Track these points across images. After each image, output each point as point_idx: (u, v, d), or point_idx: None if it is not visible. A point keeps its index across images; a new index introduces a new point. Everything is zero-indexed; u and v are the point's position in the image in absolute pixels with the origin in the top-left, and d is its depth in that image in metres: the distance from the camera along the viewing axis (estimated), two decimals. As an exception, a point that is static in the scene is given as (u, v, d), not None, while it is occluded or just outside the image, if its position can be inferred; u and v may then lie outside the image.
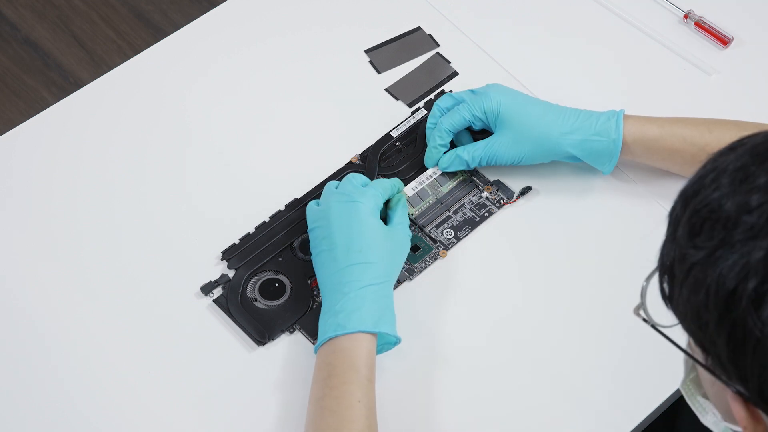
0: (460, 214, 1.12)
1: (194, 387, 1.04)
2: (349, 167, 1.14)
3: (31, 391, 1.03)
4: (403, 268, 1.08)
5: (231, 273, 1.08)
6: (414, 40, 1.24)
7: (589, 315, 1.07)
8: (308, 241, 1.09)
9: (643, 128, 1.09)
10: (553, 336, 1.06)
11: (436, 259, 1.10)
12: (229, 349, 1.05)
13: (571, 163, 1.14)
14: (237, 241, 1.10)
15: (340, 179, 1.10)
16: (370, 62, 1.23)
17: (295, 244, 1.10)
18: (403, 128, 1.17)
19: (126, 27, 1.52)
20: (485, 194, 1.14)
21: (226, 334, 1.06)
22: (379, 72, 1.22)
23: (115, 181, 1.14)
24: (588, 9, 1.27)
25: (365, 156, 1.15)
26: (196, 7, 1.55)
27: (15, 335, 1.06)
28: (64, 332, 1.06)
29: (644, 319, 0.77)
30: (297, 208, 1.11)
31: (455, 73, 1.22)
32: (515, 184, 1.14)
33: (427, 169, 1.14)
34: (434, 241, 1.11)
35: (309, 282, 1.08)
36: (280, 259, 1.09)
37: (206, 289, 1.08)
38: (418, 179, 1.14)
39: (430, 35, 1.25)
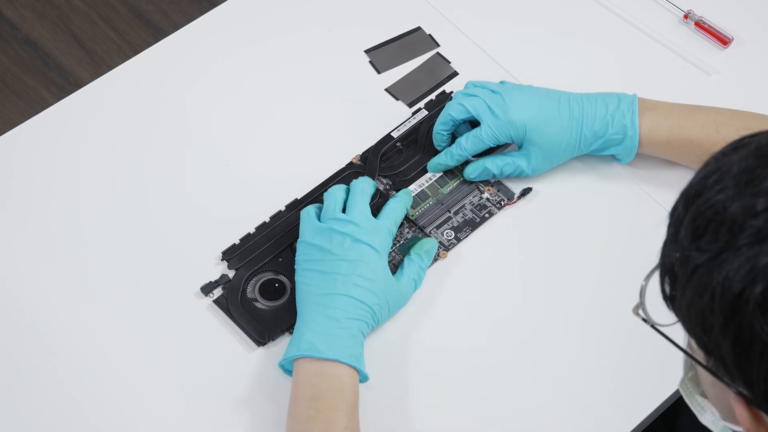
0: (460, 215, 1.12)
1: (194, 387, 1.04)
2: (350, 168, 1.14)
3: (31, 391, 1.03)
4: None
5: (231, 273, 1.08)
6: (414, 40, 1.24)
7: (589, 315, 1.07)
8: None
9: (651, 132, 1.10)
10: (553, 336, 1.06)
11: (436, 259, 1.10)
12: (229, 349, 1.05)
13: (572, 164, 1.14)
14: (237, 242, 1.10)
15: (341, 181, 1.10)
16: (370, 62, 1.23)
17: (296, 244, 1.09)
18: (403, 129, 1.17)
19: (126, 27, 1.52)
20: (486, 195, 1.14)
21: (226, 335, 1.06)
22: (379, 72, 1.22)
23: (115, 181, 1.15)
24: (588, 9, 1.27)
25: (366, 156, 1.15)
26: (196, 7, 1.55)
27: (15, 335, 1.06)
28: (64, 332, 1.06)
29: (644, 319, 0.77)
30: (297, 209, 1.11)
31: (455, 73, 1.22)
32: (516, 185, 1.14)
33: (427, 169, 1.14)
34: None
35: (309, 282, 1.08)
36: (281, 259, 1.09)
37: (206, 289, 1.08)
38: (418, 182, 1.14)
39: (430, 35, 1.25)
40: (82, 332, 1.06)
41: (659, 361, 1.01)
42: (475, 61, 1.23)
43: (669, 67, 1.23)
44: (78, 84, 1.42)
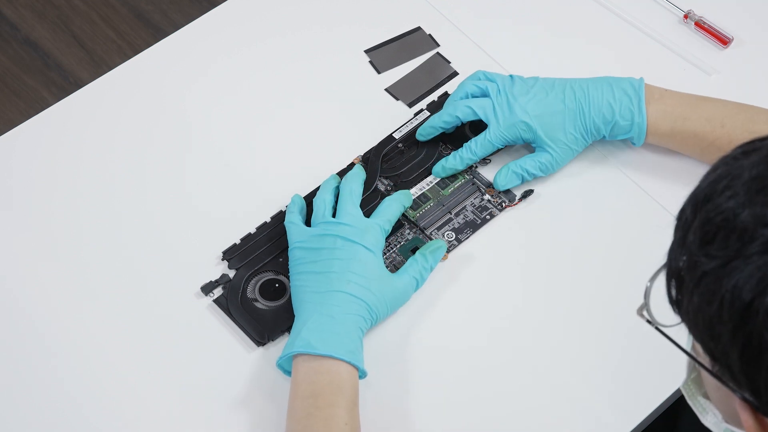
0: (461, 216, 1.12)
1: (194, 387, 1.04)
2: (351, 169, 1.14)
3: (31, 391, 1.03)
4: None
5: (231, 273, 1.08)
6: (414, 40, 1.24)
7: (589, 316, 1.07)
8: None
9: (656, 122, 1.10)
10: (554, 337, 1.06)
11: (436, 260, 1.10)
12: (228, 349, 1.05)
13: (572, 164, 1.15)
14: (238, 242, 1.10)
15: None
16: (370, 62, 1.23)
17: (293, 248, 1.10)
18: (405, 130, 1.17)
19: (126, 27, 1.52)
20: (487, 197, 1.13)
21: (226, 335, 1.06)
22: (379, 72, 1.22)
23: (115, 181, 1.14)
24: (588, 9, 1.27)
25: (367, 157, 1.15)
26: (196, 7, 1.55)
27: (15, 335, 1.06)
28: (64, 332, 1.06)
29: (648, 320, 0.77)
30: (297, 209, 1.11)
31: (455, 73, 1.22)
32: (517, 187, 1.14)
33: (429, 171, 1.14)
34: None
35: (309, 282, 1.07)
36: (281, 259, 1.09)
37: (206, 289, 1.08)
38: (419, 185, 1.14)
39: (430, 35, 1.25)
40: (82, 332, 1.06)
41: (659, 361, 1.01)
42: (475, 61, 1.23)
43: (669, 67, 1.23)
44: (78, 84, 1.42)
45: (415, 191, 1.13)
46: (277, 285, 1.07)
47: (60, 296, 1.08)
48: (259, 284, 1.08)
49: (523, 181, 1.13)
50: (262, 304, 1.07)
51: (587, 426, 1.03)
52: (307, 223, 1.08)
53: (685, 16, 1.25)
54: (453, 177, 1.14)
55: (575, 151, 1.12)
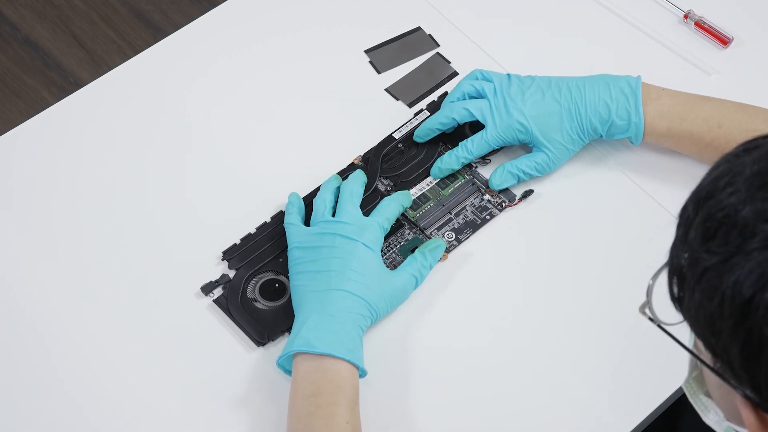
0: (461, 216, 1.12)
1: (194, 387, 1.04)
2: (351, 169, 1.14)
3: (31, 391, 1.03)
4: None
5: (231, 273, 1.08)
6: (414, 40, 1.24)
7: (589, 316, 1.07)
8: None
9: (653, 122, 1.10)
10: (554, 336, 1.06)
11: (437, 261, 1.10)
12: (229, 349, 1.05)
13: (571, 164, 1.15)
14: (238, 242, 1.10)
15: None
16: (370, 62, 1.23)
17: (294, 248, 1.10)
18: (405, 130, 1.17)
19: (126, 27, 1.52)
20: (487, 197, 1.13)
21: (226, 335, 1.06)
22: (379, 72, 1.22)
23: (115, 181, 1.14)
24: (588, 9, 1.27)
25: (367, 158, 1.15)
26: (196, 7, 1.55)
27: (15, 335, 1.06)
28: (64, 332, 1.06)
29: (650, 318, 0.77)
30: (297, 209, 1.11)
31: (455, 73, 1.22)
32: (517, 187, 1.14)
33: (429, 171, 1.14)
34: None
35: (309, 282, 1.07)
36: (281, 259, 1.09)
37: (206, 289, 1.08)
38: (419, 185, 1.14)
39: (430, 35, 1.25)
40: (82, 332, 1.06)
41: (659, 361, 1.01)
42: (475, 61, 1.23)
43: (669, 67, 1.23)
44: (78, 84, 1.42)
45: (415, 191, 1.13)
46: (277, 285, 1.07)
47: (60, 296, 1.08)
48: (259, 284, 1.08)
49: (519, 181, 1.13)
50: (262, 304, 1.07)
51: (587, 426, 1.03)
52: (307, 223, 1.08)
53: (685, 16, 1.25)
54: (453, 177, 1.14)
55: (572, 151, 1.12)
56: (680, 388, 1.02)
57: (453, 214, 1.13)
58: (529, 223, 1.12)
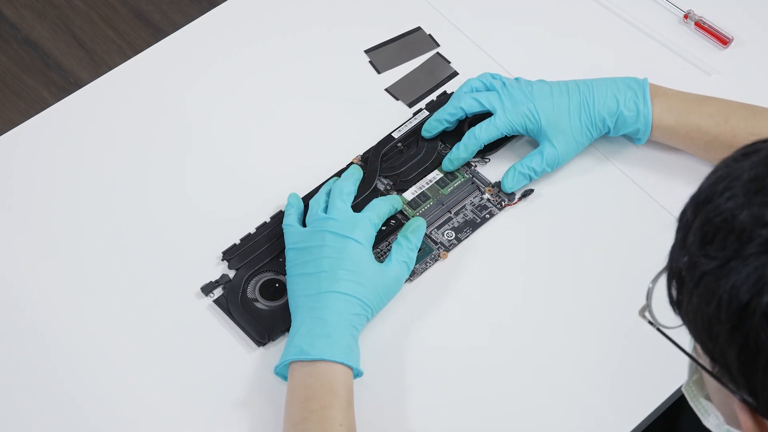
0: (461, 215, 1.12)
1: (194, 387, 1.04)
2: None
3: (32, 391, 1.03)
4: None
5: (231, 273, 1.08)
6: (414, 40, 1.24)
7: (589, 315, 1.07)
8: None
9: (660, 115, 1.11)
10: (554, 336, 1.06)
11: (436, 260, 1.10)
12: (229, 349, 1.05)
13: (572, 164, 1.15)
14: (238, 242, 1.10)
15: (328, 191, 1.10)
16: (370, 62, 1.23)
17: (295, 245, 1.10)
18: (404, 129, 1.17)
19: (126, 27, 1.52)
20: (486, 196, 1.13)
21: (226, 335, 1.06)
22: (379, 72, 1.22)
23: (115, 181, 1.14)
24: (588, 9, 1.27)
25: (367, 157, 1.15)
26: (196, 7, 1.55)
27: (15, 335, 1.06)
28: (64, 332, 1.06)
29: (650, 322, 0.77)
30: (297, 209, 1.11)
31: (455, 73, 1.22)
32: (516, 185, 1.14)
33: (428, 170, 1.14)
34: (435, 242, 1.11)
35: (309, 282, 1.07)
36: (281, 259, 1.09)
37: (206, 289, 1.08)
38: (418, 184, 1.14)
39: (430, 35, 1.25)
40: (82, 332, 1.06)
41: (659, 361, 1.01)
42: (475, 61, 1.23)
43: (669, 67, 1.23)
44: (78, 84, 1.42)
45: (415, 190, 1.13)
46: (277, 285, 1.07)
47: (60, 296, 1.08)
48: (259, 284, 1.08)
49: (531, 180, 1.13)
50: (262, 304, 1.07)
51: (587, 426, 1.03)
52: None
53: (685, 16, 1.25)
54: (452, 176, 1.14)
55: (580, 144, 1.12)
56: (680, 389, 1.02)
57: (452, 213, 1.13)
58: (529, 223, 1.12)
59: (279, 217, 1.11)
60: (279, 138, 1.18)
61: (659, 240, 0.76)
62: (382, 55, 1.23)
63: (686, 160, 1.15)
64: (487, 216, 1.12)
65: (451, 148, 1.15)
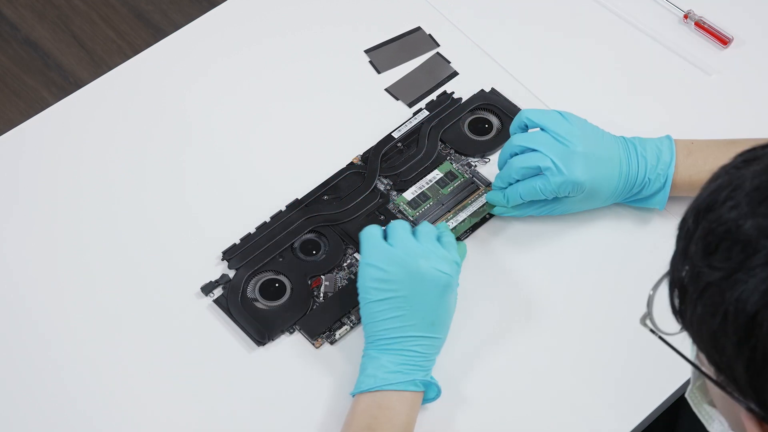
0: (461, 215, 1.12)
1: (194, 387, 1.04)
2: (350, 168, 1.14)
3: (32, 391, 1.03)
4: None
5: (231, 273, 1.08)
6: (414, 40, 1.24)
7: (589, 316, 1.07)
8: (309, 242, 1.09)
9: (690, 178, 1.07)
10: (553, 337, 1.06)
11: (436, 259, 1.10)
12: (229, 349, 1.05)
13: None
14: (238, 242, 1.10)
15: (374, 221, 1.08)
16: (370, 62, 1.23)
17: (296, 244, 1.10)
18: (404, 129, 1.17)
19: (126, 27, 1.52)
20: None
21: (226, 334, 1.06)
22: (379, 72, 1.22)
23: (115, 181, 1.15)
24: (588, 9, 1.27)
25: (366, 157, 1.15)
26: (196, 7, 1.55)
27: (16, 335, 1.06)
28: (65, 332, 1.06)
29: (651, 330, 0.76)
30: (298, 209, 1.12)
31: (455, 73, 1.22)
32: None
33: (428, 170, 1.14)
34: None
35: (309, 283, 1.08)
36: (281, 259, 1.09)
37: (206, 289, 1.08)
38: (418, 184, 1.14)
39: (430, 35, 1.25)
40: (83, 332, 1.06)
41: (659, 362, 1.01)
42: (475, 61, 1.23)
43: (669, 67, 1.23)
44: (78, 84, 1.42)
45: (415, 190, 1.13)
46: (277, 285, 1.07)
47: (60, 296, 1.08)
48: (259, 284, 1.08)
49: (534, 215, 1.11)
50: (262, 304, 1.07)
51: (587, 426, 1.02)
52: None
53: (685, 16, 1.25)
54: (452, 176, 1.14)
55: (589, 207, 1.10)
56: (679, 390, 1.02)
57: (452, 212, 1.12)
58: (529, 223, 1.12)
59: (279, 217, 1.11)
60: (279, 138, 1.18)
61: (663, 248, 0.74)
62: (382, 55, 1.23)
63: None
64: (487, 216, 1.12)
65: (452, 150, 1.15)
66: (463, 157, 1.16)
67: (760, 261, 0.65)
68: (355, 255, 1.09)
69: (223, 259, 1.09)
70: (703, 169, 1.07)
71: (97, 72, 1.36)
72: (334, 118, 1.19)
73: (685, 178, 1.07)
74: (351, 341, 1.05)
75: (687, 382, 0.99)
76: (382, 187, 1.14)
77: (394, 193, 1.13)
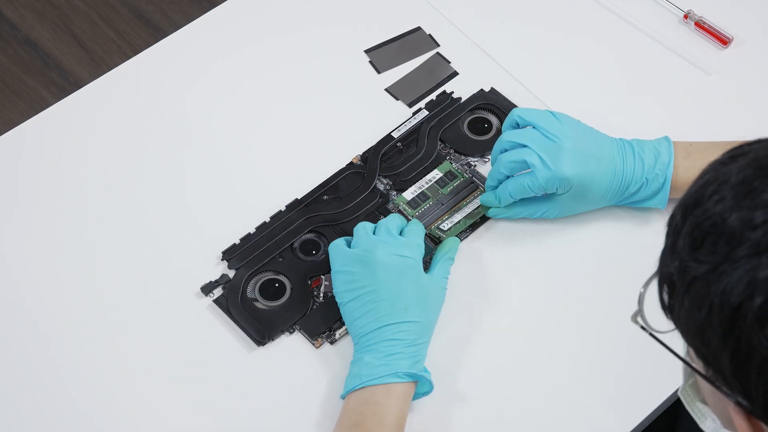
0: (460, 215, 1.12)
1: (194, 387, 1.04)
2: (350, 168, 1.14)
3: (32, 391, 1.03)
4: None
5: (231, 273, 1.08)
6: (414, 40, 1.24)
7: (588, 316, 1.07)
8: (309, 242, 1.09)
9: (688, 179, 1.06)
10: (552, 337, 1.06)
11: (436, 259, 1.10)
12: (229, 349, 1.05)
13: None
14: (237, 242, 1.10)
15: (374, 221, 1.08)
16: (370, 62, 1.23)
17: (296, 244, 1.10)
18: (404, 129, 1.17)
19: (126, 27, 1.52)
20: (486, 195, 1.13)
21: (226, 334, 1.06)
22: (379, 72, 1.22)
23: (115, 181, 1.15)
24: (588, 9, 1.27)
25: (366, 157, 1.15)
26: (196, 7, 1.55)
27: (16, 335, 1.06)
28: (65, 332, 1.06)
29: (642, 327, 0.76)
30: (297, 209, 1.12)
31: (455, 73, 1.22)
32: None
33: (428, 170, 1.14)
34: (434, 241, 1.11)
35: (309, 282, 1.08)
36: (281, 259, 1.09)
37: (206, 289, 1.08)
38: (418, 184, 1.14)
39: (430, 35, 1.25)
40: (83, 332, 1.06)
41: (658, 362, 1.01)
42: (475, 61, 1.23)
43: (669, 67, 1.23)
44: (78, 84, 1.42)
45: (415, 190, 1.13)
46: (276, 285, 1.07)
47: (60, 296, 1.08)
48: (259, 284, 1.08)
49: (527, 216, 1.11)
50: (262, 304, 1.07)
51: (587, 427, 1.02)
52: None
53: (685, 16, 1.25)
54: (452, 175, 1.14)
55: (585, 209, 1.10)
56: (678, 391, 1.02)
57: (452, 212, 1.12)
58: (528, 223, 1.12)
59: (279, 217, 1.11)
60: (279, 138, 1.18)
61: (658, 246, 0.75)
62: (382, 55, 1.23)
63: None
64: (487, 216, 1.12)
65: (452, 149, 1.15)
66: (462, 157, 1.16)
67: (744, 253, 0.66)
68: (355, 255, 1.09)
69: (223, 259, 1.09)
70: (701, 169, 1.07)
71: (97, 72, 1.36)
72: (334, 118, 1.19)
73: (684, 180, 1.07)
74: (351, 341, 1.05)
75: (686, 382, 0.99)
76: (381, 187, 1.14)
77: (394, 192, 1.13)
